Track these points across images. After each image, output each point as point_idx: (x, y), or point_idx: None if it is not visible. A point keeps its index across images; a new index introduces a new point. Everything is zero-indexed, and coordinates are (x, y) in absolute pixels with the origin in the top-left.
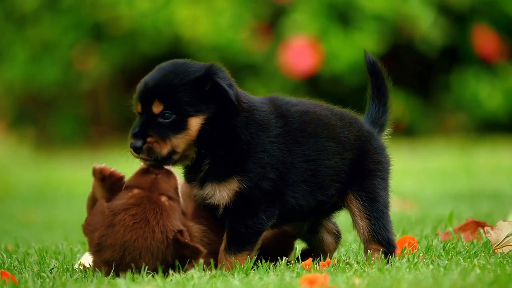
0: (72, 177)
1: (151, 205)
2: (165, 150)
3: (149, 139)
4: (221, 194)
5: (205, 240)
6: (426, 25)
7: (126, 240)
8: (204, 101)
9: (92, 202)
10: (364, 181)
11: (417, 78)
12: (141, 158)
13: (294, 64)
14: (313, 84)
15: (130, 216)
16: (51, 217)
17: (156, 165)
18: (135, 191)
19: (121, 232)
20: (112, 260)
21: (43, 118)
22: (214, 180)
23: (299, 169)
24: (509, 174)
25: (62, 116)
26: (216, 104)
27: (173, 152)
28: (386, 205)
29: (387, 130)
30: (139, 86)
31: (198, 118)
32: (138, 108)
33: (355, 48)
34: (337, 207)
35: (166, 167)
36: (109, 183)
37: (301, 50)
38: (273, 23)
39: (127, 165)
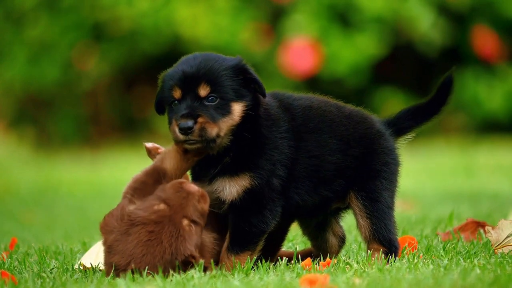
0: (72, 177)
1: (170, 227)
2: (214, 131)
3: (200, 119)
4: (230, 189)
5: (216, 249)
6: (426, 26)
7: (136, 252)
8: (242, 89)
9: (154, 175)
10: (367, 180)
11: (417, 78)
12: (188, 141)
13: (294, 65)
14: (313, 85)
15: (146, 231)
16: (51, 217)
17: (201, 149)
18: (162, 206)
19: (133, 243)
20: (118, 265)
21: (43, 118)
22: (225, 174)
23: (303, 164)
24: (509, 174)
25: (62, 116)
26: (249, 95)
27: (217, 136)
28: (389, 206)
29: (407, 136)
30: (176, 73)
31: (239, 105)
32: (176, 94)
33: (355, 49)
34: (343, 206)
35: (201, 189)
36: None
37: (301, 51)
38: (273, 23)
39: (126, 165)
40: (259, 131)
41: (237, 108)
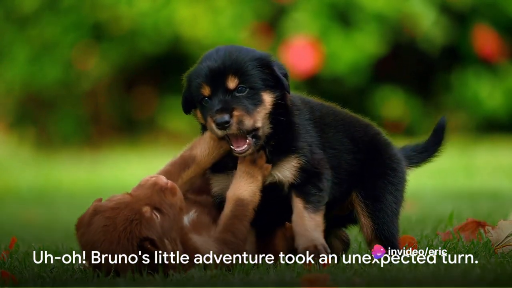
0: (72, 177)
1: (127, 212)
2: (251, 123)
3: (235, 113)
4: (283, 173)
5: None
6: (427, 24)
7: (95, 240)
8: (270, 80)
9: (181, 163)
10: (371, 181)
11: (418, 77)
12: (226, 136)
13: (295, 64)
14: (314, 84)
15: (104, 218)
16: (51, 217)
17: (251, 153)
18: (125, 196)
19: (93, 232)
20: (89, 259)
21: (43, 118)
22: (271, 161)
23: (328, 154)
24: (509, 174)
25: (62, 116)
26: (277, 86)
27: (254, 128)
28: (392, 209)
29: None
30: (201, 70)
31: (269, 95)
32: (205, 91)
33: (355, 48)
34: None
35: (170, 182)
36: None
37: (302, 50)
38: (273, 22)
39: (127, 165)
40: (290, 119)
41: (267, 98)
